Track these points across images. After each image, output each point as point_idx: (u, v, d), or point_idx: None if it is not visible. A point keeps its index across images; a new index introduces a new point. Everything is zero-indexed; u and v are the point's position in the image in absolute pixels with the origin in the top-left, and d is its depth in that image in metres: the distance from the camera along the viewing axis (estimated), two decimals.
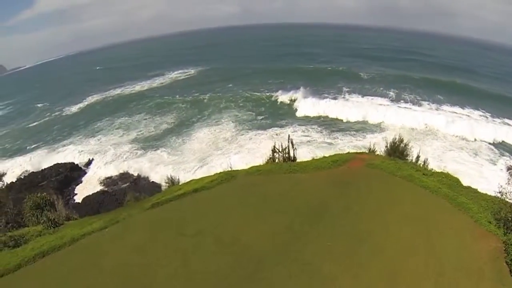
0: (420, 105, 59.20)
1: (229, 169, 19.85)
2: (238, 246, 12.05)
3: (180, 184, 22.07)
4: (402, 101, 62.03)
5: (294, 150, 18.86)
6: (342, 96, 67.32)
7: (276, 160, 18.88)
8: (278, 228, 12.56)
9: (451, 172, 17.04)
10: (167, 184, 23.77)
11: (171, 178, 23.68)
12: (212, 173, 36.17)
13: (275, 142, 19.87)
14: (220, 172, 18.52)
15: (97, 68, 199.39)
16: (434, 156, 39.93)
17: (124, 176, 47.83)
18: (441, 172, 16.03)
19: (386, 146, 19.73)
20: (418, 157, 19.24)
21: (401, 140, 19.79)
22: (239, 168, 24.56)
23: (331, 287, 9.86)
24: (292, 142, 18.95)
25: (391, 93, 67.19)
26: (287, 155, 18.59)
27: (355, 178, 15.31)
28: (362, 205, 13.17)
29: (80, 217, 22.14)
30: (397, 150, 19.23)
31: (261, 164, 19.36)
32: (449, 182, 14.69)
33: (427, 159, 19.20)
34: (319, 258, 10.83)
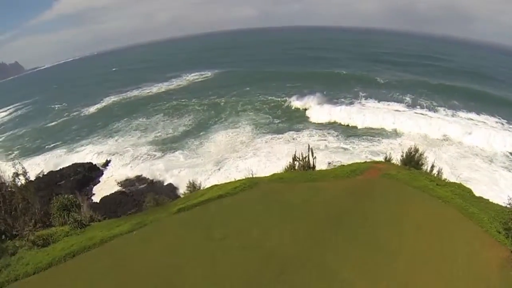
0: (436, 111, 59.15)
1: (251, 176, 20.77)
2: (262, 250, 12.77)
3: (202, 189, 22.78)
4: (418, 106, 61.97)
5: (314, 159, 19.73)
6: (359, 101, 67.45)
7: (296, 168, 19.75)
8: (299, 234, 13.31)
9: (465, 180, 17.79)
10: (189, 188, 24.23)
11: (193, 183, 24.30)
12: (231, 177, 37.32)
13: (295, 151, 20.76)
14: (243, 179, 19.37)
15: (113, 69, 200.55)
16: (449, 162, 40.16)
17: (141, 177, 48.07)
18: (454, 183, 16.72)
19: (402, 156, 20.42)
20: (432, 166, 19.95)
21: (416, 150, 20.47)
22: (259, 174, 25.57)
23: None
24: (312, 151, 19.81)
25: (407, 98, 67.20)
26: (307, 163, 19.45)
27: (372, 188, 16.05)
28: (378, 214, 13.88)
29: (104, 219, 23.11)
30: (412, 160, 19.92)
31: (282, 171, 20.28)
32: (461, 192, 15.34)
33: (441, 169, 19.84)
34: (338, 264, 11.55)
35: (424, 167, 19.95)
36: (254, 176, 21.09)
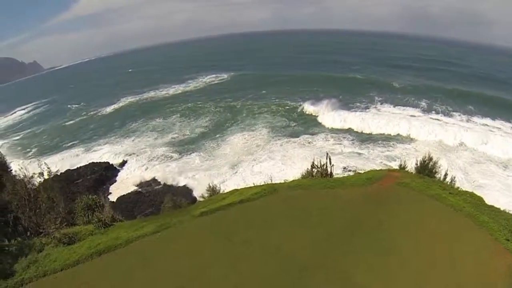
0: (451, 116, 59.79)
1: (270, 181, 21.67)
2: (282, 254, 13.51)
3: (222, 192, 23.63)
4: (433, 111, 62.68)
5: (331, 167, 20.56)
6: (374, 105, 68.16)
7: (314, 175, 20.58)
8: (317, 239, 14.06)
9: (478, 186, 18.46)
10: (208, 192, 24.99)
11: (213, 187, 25.08)
12: (247, 180, 38.36)
13: (314, 158, 21.59)
14: (263, 185, 20.19)
15: (129, 70, 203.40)
16: (462, 168, 40.58)
17: (157, 178, 48.94)
18: (466, 191, 17.31)
19: (416, 164, 21.10)
20: (446, 175, 20.63)
21: (430, 159, 21.14)
22: (274, 177, 26.46)
23: None
24: (330, 159, 20.62)
25: (423, 103, 67.84)
26: (325, 171, 20.27)
27: (387, 195, 16.76)
28: (392, 222, 14.55)
29: (126, 219, 23.99)
30: (426, 168, 20.61)
31: (299, 178, 21.13)
32: (473, 201, 15.91)
33: (454, 177, 20.52)
34: (353, 268, 12.26)
35: (438, 175, 20.61)
36: (272, 181, 21.97)
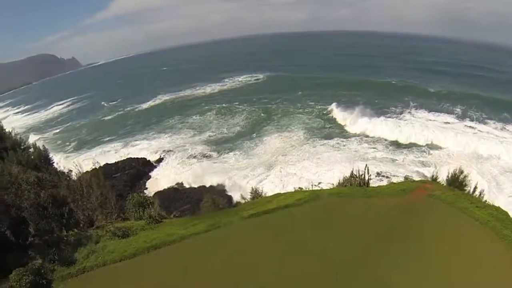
0: (485, 123, 59.67)
1: (311, 186, 23.81)
2: (324, 256, 15.40)
3: (265, 196, 25.41)
4: (467, 118, 62.64)
5: (369, 177, 22.45)
6: (409, 110, 68.37)
7: (353, 183, 22.52)
8: (355, 244, 15.92)
9: (504, 204, 19.87)
10: (252, 194, 26.61)
11: (256, 189, 26.78)
12: (284, 182, 40.11)
13: (353, 168, 23.55)
14: (307, 191, 22.30)
15: (164, 68, 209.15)
16: (494, 177, 41.17)
17: (194, 175, 50.05)
18: (493, 206, 18.71)
19: (448, 177, 22.66)
20: (475, 188, 22.13)
21: (461, 172, 22.68)
22: (308, 178, 28.39)
23: None
24: (368, 170, 22.52)
25: (458, 109, 67.78)
26: (362, 180, 22.19)
27: (418, 207, 18.52)
28: (422, 231, 16.26)
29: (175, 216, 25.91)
30: (456, 181, 22.17)
31: (339, 186, 23.16)
32: (498, 215, 17.29)
33: (483, 191, 22.06)
34: (386, 270, 14.07)
35: (468, 188, 22.14)
36: (312, 185, 24.05)
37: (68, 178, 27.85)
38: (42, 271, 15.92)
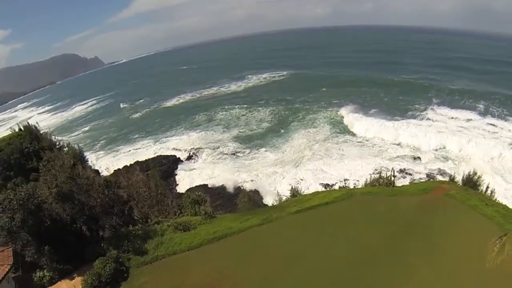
0: (506, 120, 61.07)
1: (344, 185, 27.61)
2: (359, 244, 18.99)
3: (303, 193, 28.97)
4: (489, 115, 64.15)
5: (394, 178, 26.01)
6: (431, 107, 70.58)
7: (381, 183, 26.07)
8: (385, 234, 19.46)
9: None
10: (291, 192, 29.52)
11: (295, 188, 29.83)
12: (316, 179, 43.45)
13: (381, 170, 27.23)
14: (342, 190, 26.24)
15: (184, 67, 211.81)
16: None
17: (223, 172, 52.75)
18: (501, 204, 21.94)
19: (463, 178, 26.01)
20: (487, 187, 25.36)
21: (475, 173, 26.08)
22: (332, 174, 31.64)
23: (415, 273, 16.42)
24: (394, 172, 26.14)
25: (480, 105, 69.53)
26: (389, 181, 25.75)
27: (436, 204, 21.96)
28: (439, 226, 19.60)
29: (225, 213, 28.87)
30: (471, 181, 25.53)
31: (368, 185, 26.84)
32: (504, 212, 20.39)
33: (493, 190, 25.30)
34: (410, 255, 17.56)
35: (481, 188, 25.45)
36: (344, 182, 27.56)
37: (128, 179, 31.01)
38: (120, 259, 19.38)
